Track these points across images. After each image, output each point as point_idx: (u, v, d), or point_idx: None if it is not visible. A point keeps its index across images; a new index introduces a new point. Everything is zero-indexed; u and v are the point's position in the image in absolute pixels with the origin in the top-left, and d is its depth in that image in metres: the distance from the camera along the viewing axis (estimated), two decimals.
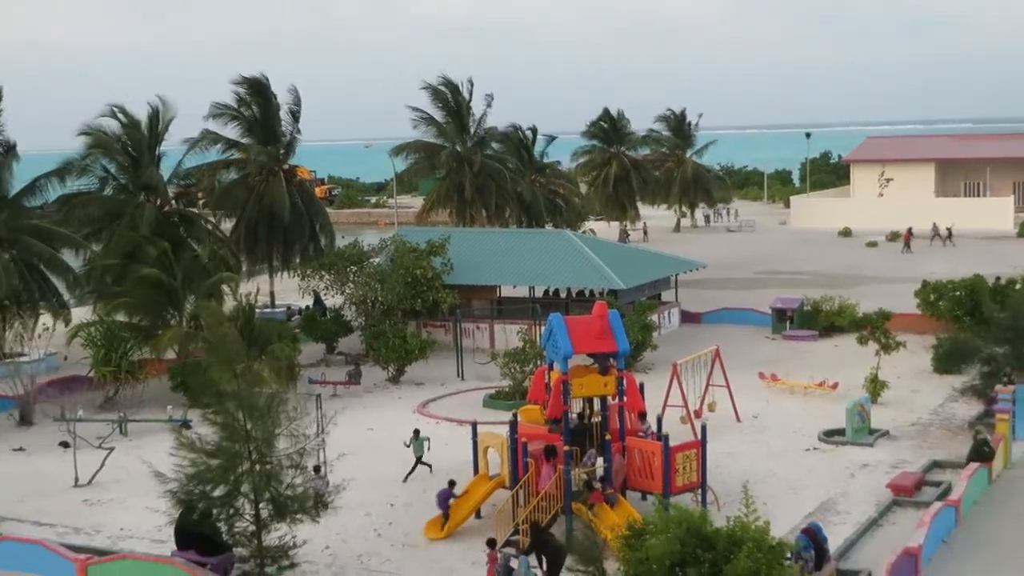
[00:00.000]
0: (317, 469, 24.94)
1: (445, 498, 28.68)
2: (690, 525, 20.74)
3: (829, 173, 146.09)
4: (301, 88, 63.33)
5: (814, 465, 33.36)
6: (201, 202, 61.11)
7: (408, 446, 33.43)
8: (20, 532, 29.05)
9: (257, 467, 23.84)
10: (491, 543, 25.79)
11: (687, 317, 57.14)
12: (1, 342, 47.38)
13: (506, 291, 56.63)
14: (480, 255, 54.23)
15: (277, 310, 60.79)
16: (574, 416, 29.40)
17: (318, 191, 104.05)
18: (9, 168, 49.35)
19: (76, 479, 33.37)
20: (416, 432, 33.75)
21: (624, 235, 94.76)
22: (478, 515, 29.18)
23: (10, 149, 49.54)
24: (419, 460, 33.01)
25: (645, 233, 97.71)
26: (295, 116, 63.07)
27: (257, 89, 62.04)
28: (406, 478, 32.51)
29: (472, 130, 72.93)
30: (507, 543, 26.90)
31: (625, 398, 29.09)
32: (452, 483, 28.94)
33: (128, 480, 32.81)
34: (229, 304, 46.97)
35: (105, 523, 30.12)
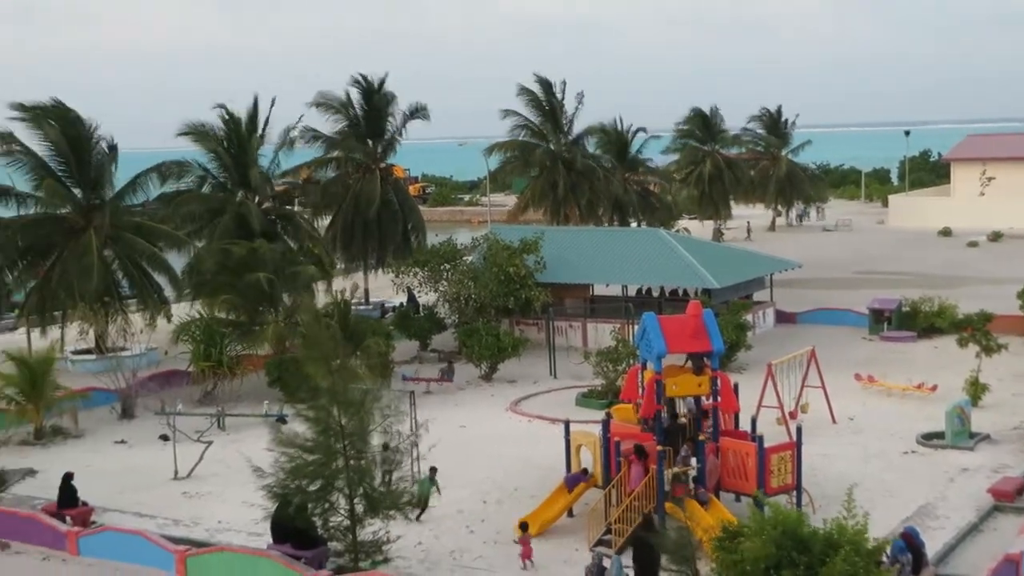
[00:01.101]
0: (386, 447, 25.03)
1: (576, 481, 28.74)
2: (786, 527, 20.49)
3: (929, 172, 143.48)
4: (396, 86, 63.88)
5: (912, 469, 32.79)
6: (298, 199, 61.88)
7: (414, 483, 28.59)
8: (122, 523, 29.64)
9: (351, 463, 24.08)
10: (523, 526, 26.34)
11: (782, 317, 56.52)
12: (104, 337, 48.38)
13: (599, 289, 56.49)
14: (573, 253, 54.16)
15: (371, 307, 61.33)
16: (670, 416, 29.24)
17: (412, 189, 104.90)
18: (111, 167, 50.35)
19: (175, 472, 33.97)
20: (433, 471, 29.78)
21: (718, 234, 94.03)
22: (570, 514, 29.17)
23: (112, 148, 50.59)
24: (425, 503, 29.20)
25: (749, 232, 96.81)
26: (399, 116, 63.60)
27: (361, 87, 62.66)
28: (418, 517, 28.79)
29: (566, 128, 72.87)
30: (599, 542, 26.88)
31: (719, 398, 28.87)
32: (585, 471, 28.87)
33: (226, 474, 33.32)
34: (324, 301, 47.53)
35: (203, 515, 30.61)
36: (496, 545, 27.71)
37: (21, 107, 48.29)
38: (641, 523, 25.93)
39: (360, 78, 63.00)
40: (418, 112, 63.71)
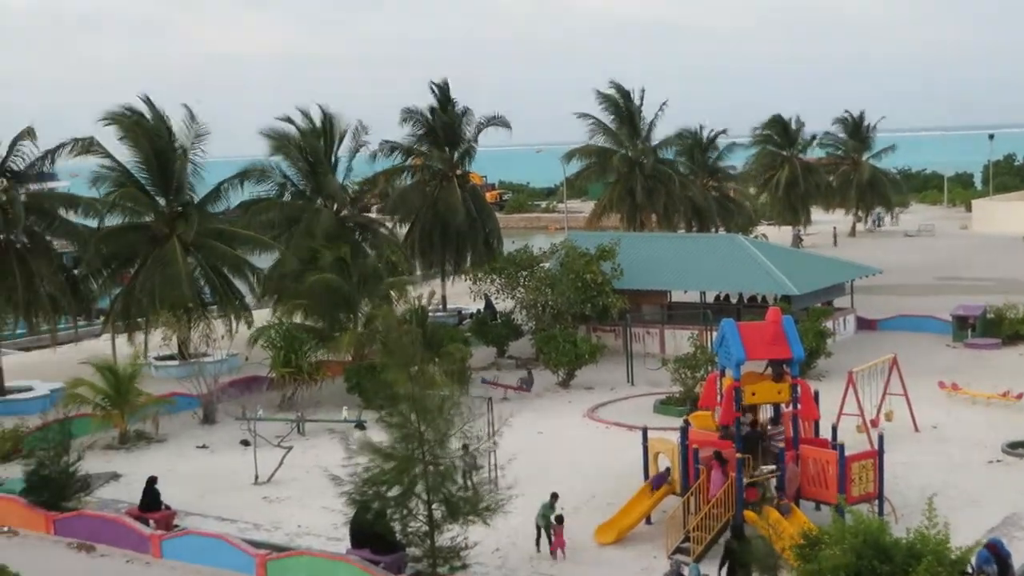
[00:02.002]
0: (467, 447, 25.04)
1: (661, 481, 28.88)
2: (867, 535, 20.23)
3: (1014, 176, 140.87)
4: (470, 92, 64.19)
5: (997, 478, 32.19)
6: (376, 207, 62.33)
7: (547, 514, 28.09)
8: (203, 527, 30.04)
9: (430, 468, 24.16)
10: (559, 519, 26.76)
11: (863, 324, 55.82)
12: (186, 343, 49.08)
13: (676, 296, 56.20)
14: (651, 260, 53.95)
15: (448, 314, 61.57)
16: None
17: (489, 196, 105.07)
18: (194, 175, 51.05)
19: (256, 476, 34.35)
20: (554, 497, 28.53)
21: (797, 240, 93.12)
22: (648, 521, 29.05)
23: (184, 152, 51.08)
24: (547, 528, 28.07)
25: (835, 238, 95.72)
26: (475, 123, 63.79)
27: (438, 95, 62.99)
28: (538, 547, 27.97)
29: (644, 134, 72.67)
30: (678, 550, 26.73)
31: (799, 406, 28.58)
32: (668, 471, 28.78)
33: (305, 479, 33.59)
34: (402, 308, 47.81)
35: (283, 520, 30.91)
36: (573, 552, 27.63)
37: (112, 117, 49.04)
38: (731, 531, 25.74)
39: (435, 86, 63.33)
40: (495, 120, 63.87)
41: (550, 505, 28.02)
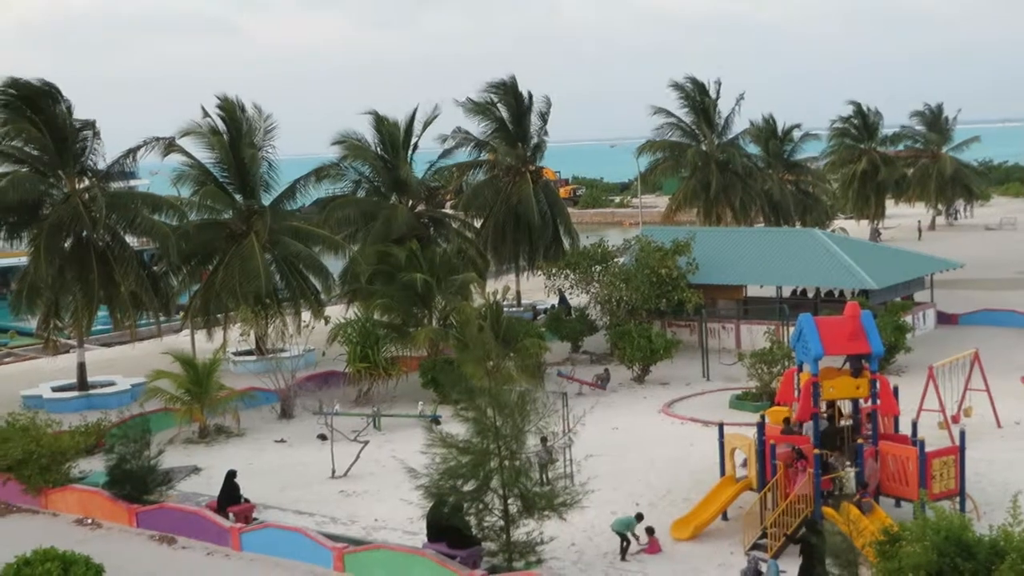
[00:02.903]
0: (544, 440, 24.99)
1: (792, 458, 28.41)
2: (949, 532, 19.90)
3: None
4: (545, 88, 64.19)
5: None
6: (449, 203, 62.57)
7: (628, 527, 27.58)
8: (282, 520, 30.35)
9: (506, 463, 24.22)
10: (650, 531, 26.58)
11: (943, 319, 54.99)
12: (264, 338, 49.62)
13: (752, 291, 55.76)
14: (726, 254, 53.59)
15: (523, 309, 61.63)
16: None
17: (562, 191, 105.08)
18: (269, 173, 51.61)
19: (333, 470, 34.63)
20: (639, 517, 27.94)
21: (875, 233, 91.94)
22: (724, 517, 28.86)
23: (258, 149, 51.66)
24: (624, 536, 27.46)
25: (920, 231, 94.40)
26: (544, 118, 63.76)
27: (506, 91, 63.02)
28: (623, 556, 27.15)
29: (719, 128, 72.19)
30: (755, 546, 26.54)
31: (879, 401, 28.24)
32: (799, 451, 27.93)
33: (381, 473, 33.84)
34: (477, 303, 47.97)
35: (360, 514, 31.13)
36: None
37: (189, 130, 49.84)
38: (806, 527, 25.54)
39: (504, 81, 63.25)
40: (547, 109, 63.56)
41: (634, 522, 27.51)
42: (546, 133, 64.29)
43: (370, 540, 28.59)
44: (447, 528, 25.72)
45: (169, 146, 49.62)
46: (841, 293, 52.80)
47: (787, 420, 29.36)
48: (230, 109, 50.36)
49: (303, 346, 47.06)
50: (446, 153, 61.74)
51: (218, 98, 50.63)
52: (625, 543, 27.10)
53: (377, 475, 33.99)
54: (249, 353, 50.62)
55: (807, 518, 25.91)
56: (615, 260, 52.94)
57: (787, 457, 27.38)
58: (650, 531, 27.28)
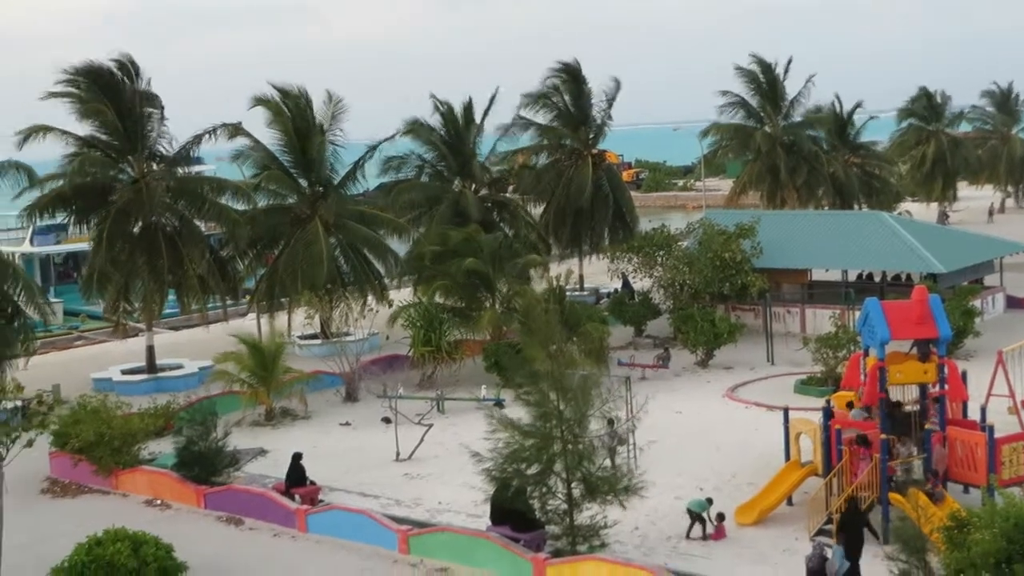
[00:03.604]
0: (611, 422, 24.94)
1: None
2: (1019, 519, 19.66)
3: None
4: (608, 71, 63.83)
5: None
6: (512, 187, 62.59)
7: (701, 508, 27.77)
8: (347, 502, 30.62)
9: (569, 447, 24.25)
10: (720, 516, 26.35)
11: (1013, 303, 54.16)
12: (329, 322, 50.00)
13: (818, 274, 55.27)
14: (791, 238, 53.11)
15: (586, 293, 61.56)
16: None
17: (625, 175, 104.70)
18: (334, 157, 51.95)
19: (397, 453, 34.86)
20: (709, 501, 27.92)
21: (943, 216, 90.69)
22: (789, 502, 28.71)
23: (323, 132, 51.97)
24: (698, 516, 27.64)
25: (991, 213, 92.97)
26: (609, 101, 63.53)
27: (570, 74, 62.87)
28: (688, 534, 27.38)
29: (784, 110, 71.48)
30: (820, 532, 26.39)
31: (946, 386, 27.92)
32: (864, 437, 27.68)
33: (445, 456, 34.01)
34: (540, 287, 47.99)
35: (424, 496, 31.32)
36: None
37: (258, 100, 50.22)
38: (845, 503, 25.64)
39: (565, 65, 62.99)
40: (614, 93, 63.28)
41: (706, 506, 27.63)
42: (610, 117, 64.06)
43: (434, 523, 28.80)
44: (511, 511, 25.84)
45: (235, 131, 50.10)
46: (908, 277, 52.17)
47: (850, 404, 29.16)
48: (294, 96, 50.74)
49: (367, 330, 47.35)
50: (509, 137, 61.72)
51: (278, 86, 51.04)
52: (698, 523, 27.09)
53: (441, 458, 34.16)
54: (314, 337, 51.01)
55: (849, 498, 25.80)
56: (678, 244, 52.67)
57: (852, 442, 27.19)
58: (720, 517, 27.21)
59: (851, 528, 24.67)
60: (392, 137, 55.57)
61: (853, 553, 23.99)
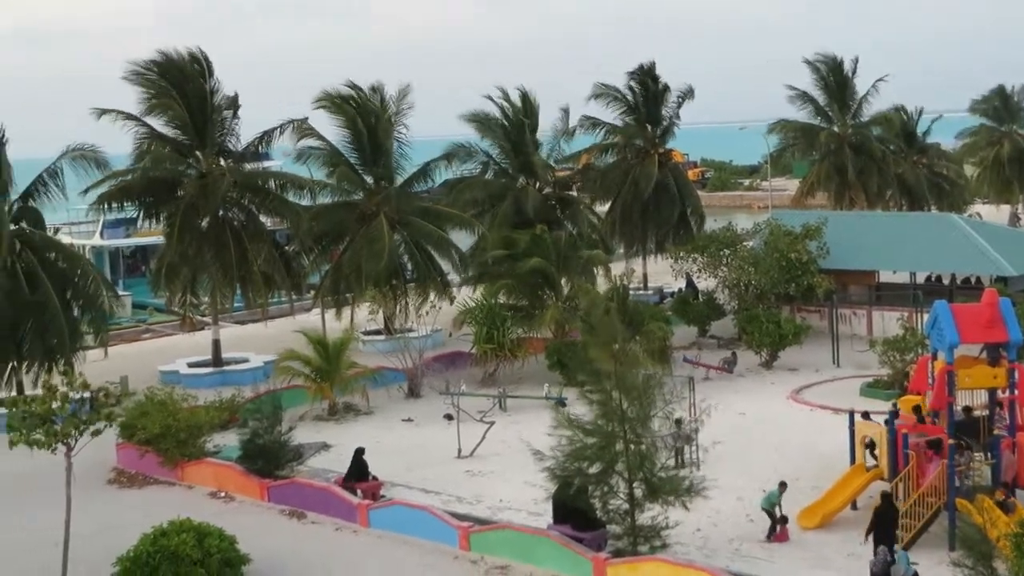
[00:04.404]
0: (679, 422, 24.85)
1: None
2: None
3: None
4: (673, 71, 63.43)
5: None
6: (577, 185, 62.49)
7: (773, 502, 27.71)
8: (408, 498, 30.71)
9: (632, 447, 24.16)
10: (783, 519, 26.16)
11: None
12: (392, 318, 50.22)
13: (885, 276, 54.59)
14: (858, 239, 52.51)
15: (649, 292, 61.33)
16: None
17: (691, 174, 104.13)
18: (399, 154, 52.17)
19: (459, 450, 34.92)
20: (783, 486, 28.11)
21: (1015, 219, 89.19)
22: (854, 506, 28.40)
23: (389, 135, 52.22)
24: (774, 518, 27.43)
25: None
26: (680, 102, 63.18)
27: (642, 74, 62.61)
28: (770, 536, 27.19)
29: (852, 110, 70.74)
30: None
31: (1016, 391, 27.47)
32: (938, 442, 27.11)
33: (507, 454, 33.98)
34: (603, 286, 47.87)
35: (485, 494, 31.34)
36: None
37: (325, 98, 50.56)
38: (880, 496, 25.70)
39: (637, 65, 62.84)
40: (687, 95, 62.95)
41: (778, 493, 27.59)
42: (678, 117, 63.77)
43: (495, 520, 28.79)
44: (572, 510, 25.79)
45: (302, 128, 50.44)
46: (978, 280, 51.45)
47: (917, 408, 28.80)
48: (362, 95, 51.05)
49: (430, 326, 47.51)
50: (575, 135, 61.62)
51: (347, 85, 51.33)
52: (779, 520, 26.97)
53: (502, 456, 34.16)
54: (378, 332, 51.27)
55: (885, 493, 25.82)
56: (744, 244, 52.29)
57: (920, 447, 26.86)
58: (783, 520, 26.97)
59: (883, 523, 24.67)
60: (468, 153, 55.78)
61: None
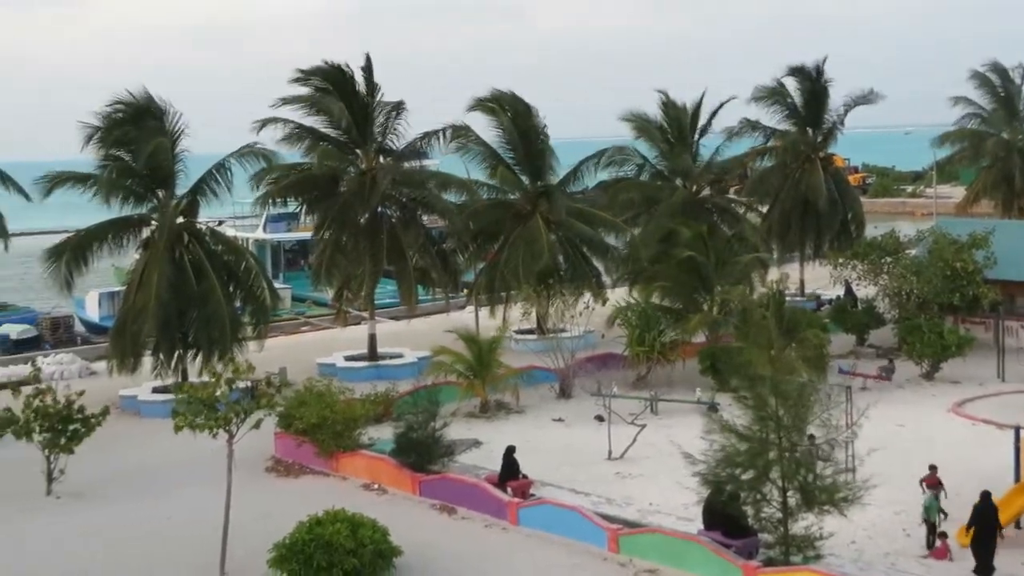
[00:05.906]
0: (812, 438, 24.39)
1: None
2: None
3: None
4: (836, 73, 62.22)
5: None
6: (734, 189, 61.81)
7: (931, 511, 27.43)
8: (558, 498, 30.72)
9: (787, 454, 23.77)
10: (943, 535, 25.78)
11: None
12: (545, 318, 50.38)
13: None
14: None
15: (806, 299, 60.28)
16: None
17: (852, 179, 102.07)
18: (552, 157, 52.41)
19: (609, 452, 34.82)
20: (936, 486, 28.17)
21: None
22: (1017, 525, 27.45)
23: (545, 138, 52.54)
24: (932, 527, 27.15)
25: None
26: (847, 108, 61.93)
27: (804, 76, 61.60)
28: (929, 546, 26.77)
29: (1022, 115, 68.47)
30: None
31: None
32: None
33: (657, 457, 33.74)
34: (759, 291, 47.22)
35: (635, 496, 31.17)
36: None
37: (480, 101, 51.23)
38: (980, 497, 25.28)
39: (798, 67, 61.81)
40: (865, 99, 61.58)
41: (932, 498, 27.23)
42: (843, 122, 62.49)
43: (644, 523, 28.63)
44: (724, 517, 25.50)
45: (458, 131, 51.17)
46: None
47: None
48: (513, 99, 51.50)
49: (583, 327, 47.49)
50: (733, 138, 60.98)
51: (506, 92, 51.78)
52: (938, 535, 26.46)
53: (653, 459, 33.95)
54: (530, 332, 51.51)
55: (985, 492, 25.26)
56: (906, 252, 50.98)
57: None
58: (943, 536, 26.24)
59: (983, 522, 24.16)
60: (624, 155, 55.68)
61: (981, 549, 23.17)
